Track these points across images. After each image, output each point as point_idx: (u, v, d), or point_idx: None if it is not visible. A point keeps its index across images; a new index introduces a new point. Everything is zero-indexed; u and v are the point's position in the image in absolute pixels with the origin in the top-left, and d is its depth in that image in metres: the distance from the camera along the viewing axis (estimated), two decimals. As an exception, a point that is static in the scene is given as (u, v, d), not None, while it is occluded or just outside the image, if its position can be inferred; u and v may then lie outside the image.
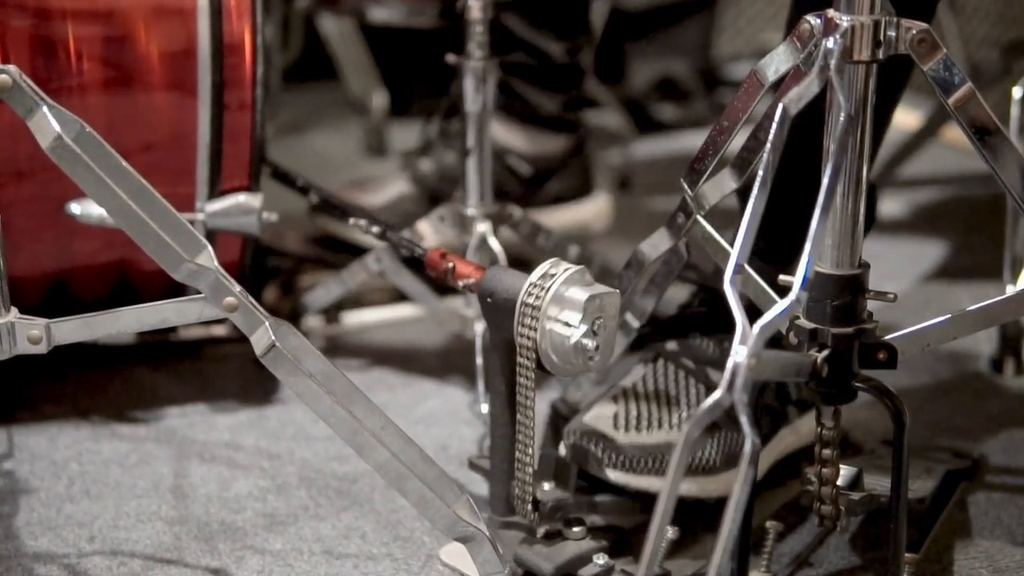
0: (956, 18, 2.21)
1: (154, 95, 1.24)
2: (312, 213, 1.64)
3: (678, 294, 1.27)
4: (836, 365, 0.95)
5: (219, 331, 1.44)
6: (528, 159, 1.64)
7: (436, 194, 1.60)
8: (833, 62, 0.90)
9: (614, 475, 1.09)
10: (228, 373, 1.43)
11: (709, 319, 1.19)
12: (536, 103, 1.65)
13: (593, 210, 1.71)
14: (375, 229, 1.31)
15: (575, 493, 1.10)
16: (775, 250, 1.11)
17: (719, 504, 1.05)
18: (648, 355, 1.20)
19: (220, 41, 1.23)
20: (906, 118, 2.12)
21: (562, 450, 1.13)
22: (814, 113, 0.93)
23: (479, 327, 1.35)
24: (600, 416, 1.13)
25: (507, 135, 1.63)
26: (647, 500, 1.08)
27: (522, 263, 1.39)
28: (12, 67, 0.91)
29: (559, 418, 1.25)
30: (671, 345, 1.19)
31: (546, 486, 1.08)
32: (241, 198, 1.27)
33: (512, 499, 1.07)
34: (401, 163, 1.70)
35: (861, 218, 0.95)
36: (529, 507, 1.05)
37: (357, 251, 1.50)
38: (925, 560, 1.09)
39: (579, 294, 1.00)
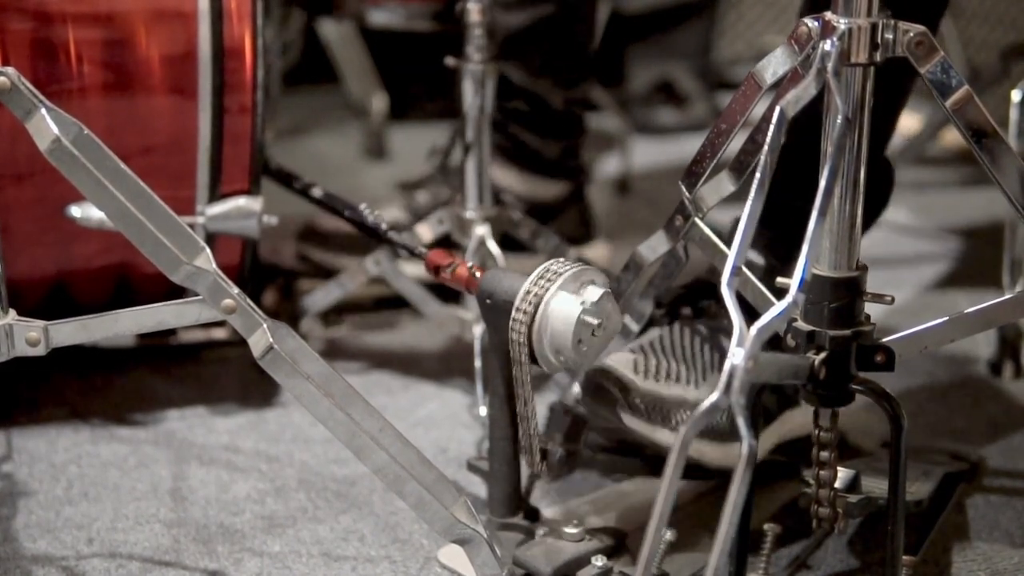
0: (955, 21, 2.21)
1: (154, 99, 1.24)
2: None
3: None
4: (834, 368, 0.95)
5: (219, 334, 1.44)
6: (523, 201, 1.62)
7: None
8: (830, 64, 0.90)
9: (628, 419, 1.10)
10: (227, 376, 1.43)
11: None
12: (535, 148, 1.64)
13: (590, 257, 1.68)
14: (383, 226, 1.31)
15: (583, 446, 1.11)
16: (781, 246, 1.11)
17: (719, 473, 1.05)
18: (664, 320, 1.21)
19: (221, 45, 1.23)
20: (905, 121, 2.12)
21: (575, 389, 1.13)
22: (819, 115, 0.93)
23: (478, 330, 1.35)
24: (620, 360, 1.13)
25: (504, 176, 1.61)
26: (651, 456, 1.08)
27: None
28: (11, 69, 0.91)
29: (560, 410, 1.25)
30: (686, 311, 1.20)
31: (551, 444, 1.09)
32: (241, 201, 1.27)
33: (518, 459, 1.07)
34: (396, 190, 1.69)
35: (859, 220, 0.95)
36: (537, 457, 1.05)
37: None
38: (923, 562, 1.09)
39: (599, 289, 1.02)
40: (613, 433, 1.14)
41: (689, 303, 1.21)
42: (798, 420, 1.19)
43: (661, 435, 1.10)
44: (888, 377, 0.96)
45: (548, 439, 1.08)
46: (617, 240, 1.75)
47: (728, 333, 1.15)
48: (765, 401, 1.16)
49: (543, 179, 1.65)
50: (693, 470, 1.11)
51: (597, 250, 1.70)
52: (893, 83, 0.96)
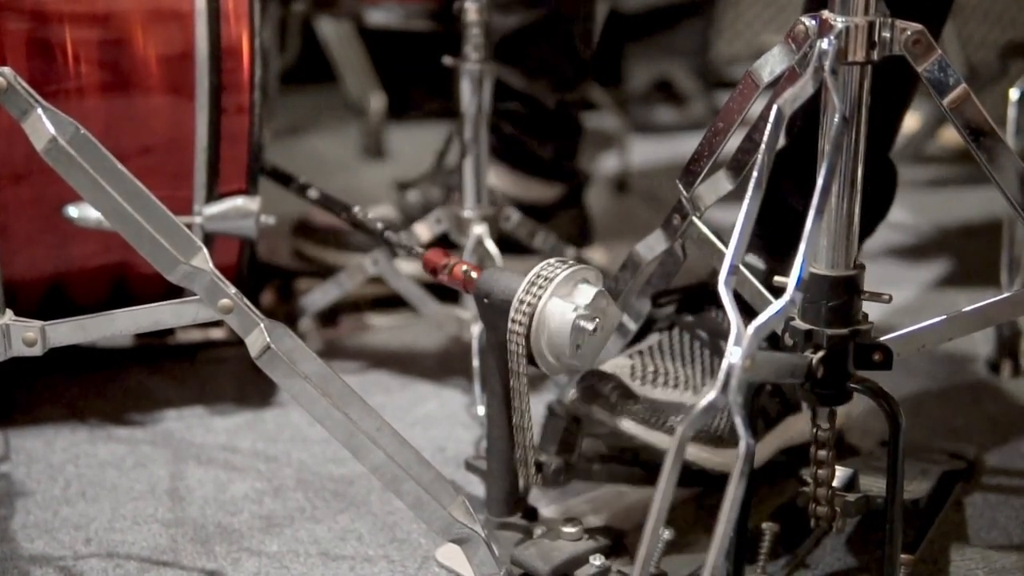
0: (954, 20, 2.21)
1: (152, 98, 1.24)
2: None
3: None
4: (831, 366, 0.95)
5: (217, 334, 1.44)
6: (515, 204, 1.61)
7: None
8: (828, 63, 0.90)
9: (624, 424, 1.10)
10: (225, 376, 1.43)
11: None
12: (530, 150, 1.62)
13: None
14: (379, 226, 1.31)
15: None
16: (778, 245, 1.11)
17: (722, 478, 1.05)
18: (663, 324, 1.21)
19: (218, 44, 1.23)
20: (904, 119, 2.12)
21: (572, 394, 1.13)
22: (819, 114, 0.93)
23: (476, 329, 1.35)
24: (617, 365, 1.13)
25: (496, 179, 1.59)
26: (648, 463, 1.08)
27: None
28: (7, 69, 0.92)
29: (555, 419, 1.24)
30: (687, 317, 1.20)
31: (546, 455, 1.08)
32: (239, 201, 1.27)
33: (515, 464, 1.06)
34: (392, 189, 1.69)
35: (857, 219, 0.95)
36: (532, 470, 1.05)
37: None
38: (921, 561, 1.09)
39: (591, 288, 1.01)
40: (609, 439, 1.14)
41: (689, 308, 1.20)
42: (800, 426, 1.18)
43: (658, 439, 1.09)
44: (886, 376, 0.96)
45: (543, 450, 1.08)
46: (615, 239, 1.75)
47: (726, 339, 1.16)
48: (767, 406, 1.16)
49: (537, 181, 1.64)
50: (693, 476, 1.11)
51: (593, 256, 1.69)
52: (896, 82, 0.96)
